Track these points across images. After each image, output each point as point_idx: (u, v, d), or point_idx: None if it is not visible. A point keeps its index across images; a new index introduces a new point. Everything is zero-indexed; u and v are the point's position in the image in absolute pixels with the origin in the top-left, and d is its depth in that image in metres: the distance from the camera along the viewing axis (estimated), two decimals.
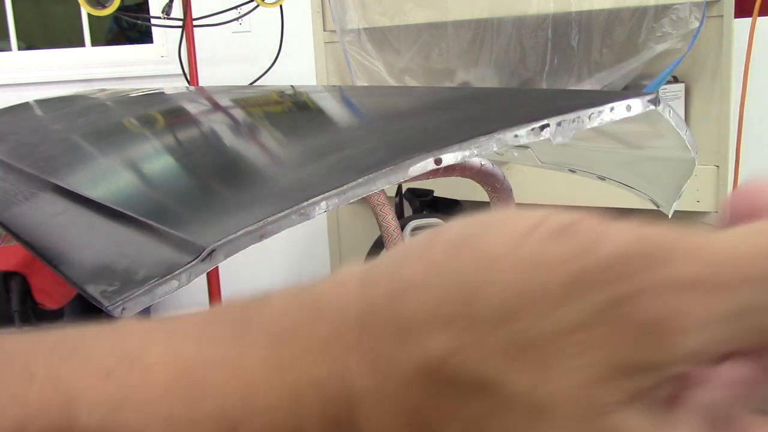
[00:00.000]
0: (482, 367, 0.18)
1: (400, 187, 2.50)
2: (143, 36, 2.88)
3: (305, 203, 0.43)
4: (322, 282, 0.22)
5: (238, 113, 0.92)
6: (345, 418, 0.20)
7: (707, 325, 0.17)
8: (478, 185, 0.93)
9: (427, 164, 0.47)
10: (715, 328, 0.17)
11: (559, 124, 0.51)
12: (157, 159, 0.72)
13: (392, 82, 2.52)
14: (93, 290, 0.41)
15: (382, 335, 0.20)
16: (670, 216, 0.80)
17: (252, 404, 0.20)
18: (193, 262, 0.40)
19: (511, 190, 0.97)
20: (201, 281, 2.27)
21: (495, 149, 0.49)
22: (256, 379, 0.20)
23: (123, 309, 0.39)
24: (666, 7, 2.11)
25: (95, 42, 2.73)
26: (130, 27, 3.32)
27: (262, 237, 0.42)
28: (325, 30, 2.72)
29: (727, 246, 0.17)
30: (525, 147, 0.83)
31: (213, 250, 0.40)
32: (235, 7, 2.25)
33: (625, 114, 0.53)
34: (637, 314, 0.17)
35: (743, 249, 0.17)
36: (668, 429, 0.18)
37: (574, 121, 0.51)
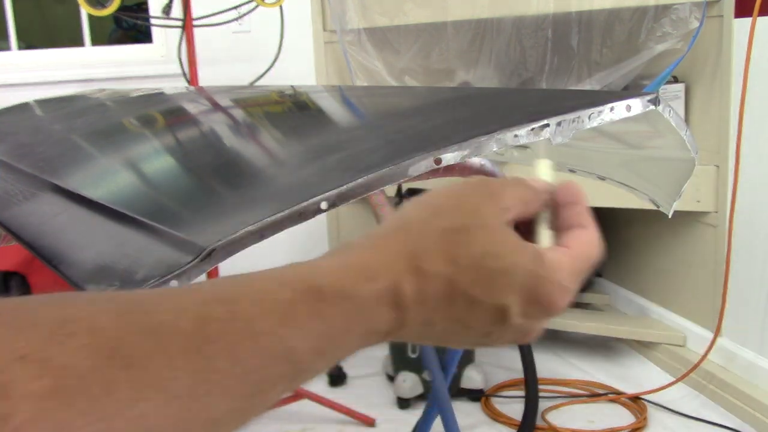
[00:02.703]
0: (472, 288, 0.41)
1: (400, 187, 2.50)
2: (146, 36, 2.88)
3: (305, 203, 0.43)
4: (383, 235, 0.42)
5: (238, 113, 0.92)
6: (402, 301, 0.39)
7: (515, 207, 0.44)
8: None
9: (427, 164, 0.47)
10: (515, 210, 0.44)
11: (559, 124, 0.51)
12: (156, 159, 0.72)
13: (392, 82, 2.52)
14: (93, 290, 0.41)
15: (414, 265, 0.40)
16: (670, 216, 0.80)
17: (374, 278, 0.39)
18: (193, 262, 0.40)
19: None
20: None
21: (495, 149, 0.49)
22: (376, 268, 0.40)
23: None
24: (666, 7, 2.11)
25: (95, 42, 2.73)
26: (131, 27, 3.32)
27: (262, 237, 0.42)
28: (325, 30, 2.72)
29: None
30: (525, 147, 0.83)
31: (213, 250, 0.40)
32: (235, 7, 2.25)
33: (625, 114, 0.53)
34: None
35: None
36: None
37: (574, 121, 0.51)
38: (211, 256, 0.40)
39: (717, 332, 2.11)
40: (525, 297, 0.41)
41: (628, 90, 2.18)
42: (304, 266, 0.39)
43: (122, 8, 1.98)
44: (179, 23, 2.14)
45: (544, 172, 0.48)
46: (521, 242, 0.42)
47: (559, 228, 0.46)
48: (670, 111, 0.57)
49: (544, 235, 0.45)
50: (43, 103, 1.33)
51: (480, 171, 0.87)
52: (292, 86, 1.08)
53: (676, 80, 2.27)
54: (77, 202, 0.57)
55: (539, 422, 2.06)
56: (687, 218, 2.27)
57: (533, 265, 0.41)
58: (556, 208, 0.46)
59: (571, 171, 0.86)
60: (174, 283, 0.40)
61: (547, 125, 0.50)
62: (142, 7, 2.76)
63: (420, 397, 2.21)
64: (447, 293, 0.40)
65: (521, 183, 0.45)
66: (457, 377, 2.20)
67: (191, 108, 1.05)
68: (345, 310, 0.37)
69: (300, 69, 2.70)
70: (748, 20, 1.92)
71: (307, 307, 0.36)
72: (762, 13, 1.88)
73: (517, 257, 0.41)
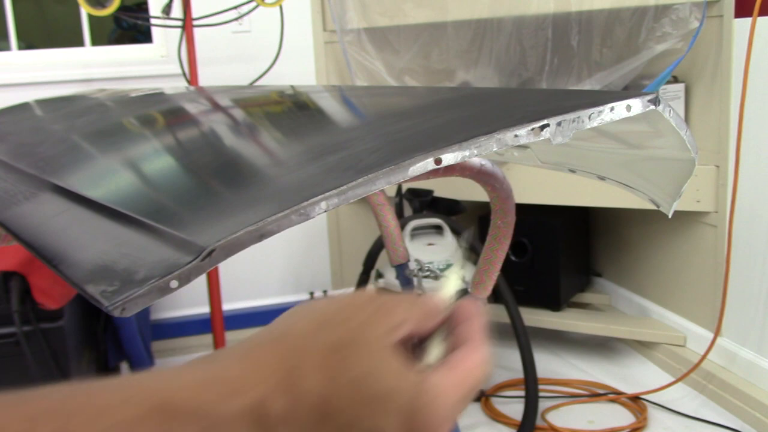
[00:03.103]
0: (348, 410, 0.38)
1: (400, 187, 2.50)
2: (146, 36, 2.88)
3: (305, 203, 0.43)
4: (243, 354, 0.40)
5: (238, 113, 0.92)
6: (268, 420, 0.37)
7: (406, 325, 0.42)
8: (478, 185, 0.93)
9: (427, 164, 0.47)
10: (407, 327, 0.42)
11: (559, 124, 0.51)
12: (156, 159, 0.72)
13: (392, 82, 2.52)
14: (93, 290, 0.41)
15: (288, 381, 0.38)
16: (670, 216, 0.80)
17: (234, 397, 0.37)
18: (193, 262, 0.40)
19: (511, 190, 0.97)
20: (201, 281, 2.27)
21: (495, 149, 0.49)
22: (235, 388, 0.38)
23: (123, 309, 0.39)
24: (666, 7, 2.11)
25: (95, 42, 2.73)
26: (131, 27, 3.32)
27: (262, 237, 0.42)
28: (325, 30, 2.72)
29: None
30: (525, 147, 0.83)
31: (213, 250, 0.40)
32: (235, 7, 2.25)
33: (625, 114, 0.53)
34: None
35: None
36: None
37: (574, 121, 0.51)
38: (211, 256, 0.40)
39: (717, 332, 2.11)
40: (403, 424, 0.39)
41: (628, 90, 2.18)
42: (161, 376, 0.37)
43: (122, 8, 1.98)
44: (179, 23, 2.14)
45: (452, 284, 0.47)
46: (406, 366, 0.40)
47: (452, 345, 0.44)
48: (670, 111, 0.57)
49: (434, 354, 0.44)
50: (43, 103, 1.33)
51: (480, 171, 0.87)
52: (292, 86, 1.08)
53: (676, 80, 2.27)
54: (77, 202, 0.57)
55: (539, 422, 2.06)
56: (687, 218, 2.27)
57: (415, 391, 0.39)
58: (452, 324, 0.45)
59: (571, 171, 0.86)
60: (174, 282, 0.40)
61: (547, 125, 0.50)
62: (142, 7, 2.76)
63: None
64: (320, 413, 0.38)
65: (418, 301, 0.44)
66: None
67: (191, 108, 1.05)
68: (197, 429, 0.35)
69: (300, 69, 2.70)
70: (748, 20, 1.92)
71: (153, 425, 0.34)
72: (762, 13, 1.88)
73: (400, 381, 0.39)
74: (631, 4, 2.17)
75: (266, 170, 0.59)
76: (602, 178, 0.84)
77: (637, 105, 0.53)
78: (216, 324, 2.21)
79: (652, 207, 0.84)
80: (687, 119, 2.27)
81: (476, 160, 0.85)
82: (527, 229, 2.43)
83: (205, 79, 2.32)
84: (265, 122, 0.83)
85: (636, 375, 2.36)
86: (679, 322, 2.39)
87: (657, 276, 2.51)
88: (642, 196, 0.83)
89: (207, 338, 2.41)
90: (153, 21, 2.50)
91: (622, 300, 2.70)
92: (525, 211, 2.02)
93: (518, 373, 2.13)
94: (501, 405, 2.20)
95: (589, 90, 2.06)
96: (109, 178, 0.66)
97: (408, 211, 2.52)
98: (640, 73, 2.22)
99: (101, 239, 0.49)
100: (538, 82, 2.37)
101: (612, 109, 0.53)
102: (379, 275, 2.31)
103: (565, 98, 0.60)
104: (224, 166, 0.63)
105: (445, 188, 2.46)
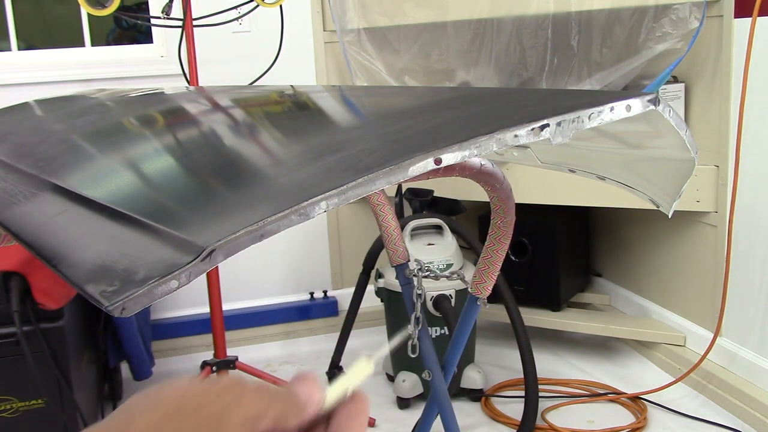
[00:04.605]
0: None
1: (400, 187, 2.50)
2: (145, 36, 2.88)
3: (305, 203, 0.43)
4: None
5: (238, 113, 0.92)
6: None
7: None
8: (478, 185, 0.93)
9: (427, 164, 0.47)
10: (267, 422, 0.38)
11: (558, 124, 0.51)
12: (156, 159, 0.72)
13: (392, 82, 2.52)
14: (92, 290, 0.41)
15: None
16: (670, 216, 0.80)
17: None
18: (192, 262, 0.40)
19: (511, 190, 0.97)
20: (201, 281, 2.27)
21: (495, 149, 0.49)
22: None
23: (123, 309, 0.39)
24: (666, 7, 2.11)
25: (95, 42, 2.73)
26: (131, 27, 3.32)
27: (262, 237, 0.42)
28: (325, 30, 2.72)
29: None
30: (525, 147, 0.83)
31: (213, 250, 0.40)
32: (235, 7, 2.25)
33: (625, 114, 0.53)
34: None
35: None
36: None
37: (573, 121, 0.51)
38: (211, 256, 0.40)
39: (717, 332, 2.11)
40: None
41: (628, 90, 2.18)
42: None
43: (122, 8, 1.98)
44: (179, 23, 2.14)
45: (357, 374, 0.43)
46: None
47: None
48: (670, 111, 0.57)
49: None
50: (43, 103, 1.33)
51: (480, 171, 0.87)
52: (292, 86, 1.08)
53: (676, 80, 2.27)
54: (77, 202, 0.57)
55: (539, 422, 2.06)
56: (687, 218, 2.27)
57: None
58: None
59: (571, 171, 0.86)
60: (174, 282, 0.40)
61: (547, 125, 0.50)
62: (142, 7, 2.75)
63: (420, 397, 2.21)
64: None
65: (284, 394, 0.40)
66: (457, 377, 2.20)
67: (191, 108, 1.05)
68: None
69: (300, 69, 2.70)
70: (748, 20, 1.92)
71: None
72: (762, 13, 1.88)
73: None
74: (631, 4, 2.17)
75: (266, 170, 0.59)
76: (602, 178, 0.84)
77: (636, 105, 0.53)
78: (216, 324, 2.21)
79: (652, 207, 0.84)
80: (687, 119, 2.27)
81: (476, 160, 0.85)
82: (527, 229, 2.43)
83: (205, 79, 2.32)
84: (265, 122, 0.83)
85: (636, 375, 2.36)
86: (678, 322, 2.39)
87: (657, 276, 2.51)
88: (642, 196, 0.83)
89: (207, 338, 2.41)
90: (153, 21, 2.50)
91: (622, 300, 2.69)
92: (525, 211, 2.02)
93: (518, 373, 2.13)
94: (501, 405, 2.20)
95: (589, 90, 2.06)
96: (109, 178, 0.66)
97: (408, 211, 2.52)
98: (640, 73, 2.22)
99: (101, 239, 0.49)
100: (538, 82, 2.37)
101: (612, 109, 0.53)
102: (379, 275, 2.31)
103: (565, 98, 0.60)
104: (224, 166, 0.63)
105: (445, 188, 2.46)
